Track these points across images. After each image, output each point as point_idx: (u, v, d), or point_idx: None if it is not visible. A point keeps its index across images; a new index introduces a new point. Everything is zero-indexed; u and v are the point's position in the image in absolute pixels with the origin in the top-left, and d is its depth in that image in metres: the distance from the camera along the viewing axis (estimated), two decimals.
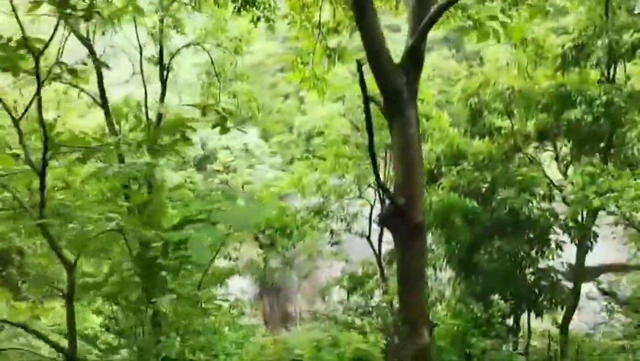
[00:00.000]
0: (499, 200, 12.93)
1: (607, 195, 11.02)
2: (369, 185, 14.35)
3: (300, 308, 25.77)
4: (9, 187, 4.87)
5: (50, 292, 10.64)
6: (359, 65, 5.57)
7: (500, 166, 13.64)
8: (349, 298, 14.15)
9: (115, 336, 7.71)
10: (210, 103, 5.04)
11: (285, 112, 40.06)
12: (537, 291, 13.65)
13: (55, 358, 5.74)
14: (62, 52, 4.78)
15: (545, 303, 13.70)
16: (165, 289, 4.90)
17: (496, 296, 13.67)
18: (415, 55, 6.32)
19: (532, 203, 12.92)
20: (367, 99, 5.84)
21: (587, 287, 17.32)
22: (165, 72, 10.88)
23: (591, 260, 14.23)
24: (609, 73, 13.11)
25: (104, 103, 10.65)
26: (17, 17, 4.44)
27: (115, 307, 7.77)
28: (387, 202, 7.13)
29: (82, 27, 10.04)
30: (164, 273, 4.76)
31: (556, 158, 14.66)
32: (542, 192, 13.49)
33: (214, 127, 4.53)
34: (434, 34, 13.95)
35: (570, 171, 14.13)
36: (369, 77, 6.05)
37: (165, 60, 11.58)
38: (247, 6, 11.27)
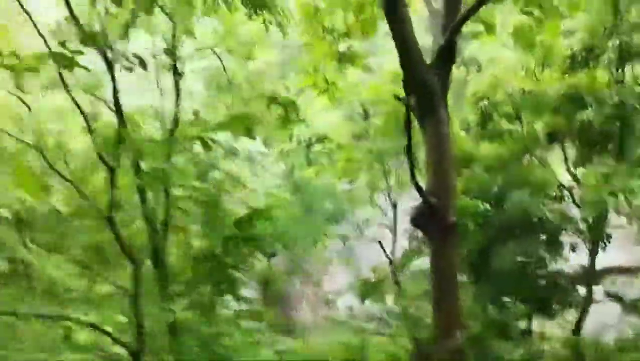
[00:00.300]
0: (511, 203, 12.90)
1: (621, 195, 11.05)
2: (382, 190, 14.29)
3: (303, 316, 25.58)
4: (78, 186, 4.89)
5: None
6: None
7: (512, 168, 13.62)
8: (362, 304, 14.08)
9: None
10: (275, 96, 5.03)
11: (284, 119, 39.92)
12: (549, 294, 13.63)
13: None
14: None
15: (557, 305, 13.68)
16: (235, 287, 4.81)
17: (509, 299, 13.63)
18: (447, 53, 6.29)
19: (544, 205, 12.91)
20: (408, 109, 5.80)
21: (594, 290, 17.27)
22: (179, 78, 10.78)
23: (600, 262, 14.21)
24: (618, 75, 13.15)
25: (118, 111, 10.51)
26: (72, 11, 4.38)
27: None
28: (415, 203, 7.07)
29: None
30: (231, 270, 4.67)
31: (565, 160, 14.67)
32: (553, 194, 13.47)
33: (279, 120, 4.51)
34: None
35: (579, 172, 14.14)
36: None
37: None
38: (259, 10, 11.25)
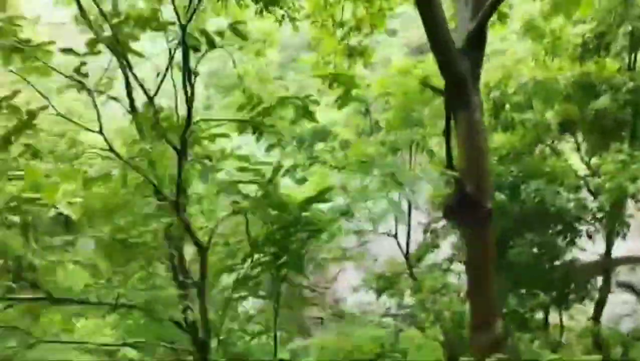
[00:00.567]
0: (528, 193, 12.79)
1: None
2: (396, 184, 14.10)
3: (312, 313, 25.41)
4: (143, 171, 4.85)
5: None
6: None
7: (526, 158, 13.52)
8: (378, 299, 13.94)
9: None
10: (340, 73, 4.93)
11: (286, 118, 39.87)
12: (565, 284, 13.53)
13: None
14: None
15: (574, 295, 13.59)
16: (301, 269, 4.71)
17: (525, 290, 13.52)
18: (478, 39, 6.17)
19: (561, 193, 12.81)
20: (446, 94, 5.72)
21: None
22: (192, 76, 10.64)
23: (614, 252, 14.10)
24: (629, 61, 13.09)
25: (132, 109, 10.42)
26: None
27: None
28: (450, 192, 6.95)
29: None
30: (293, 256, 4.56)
31: (577, 149, 14.59)
32: (569, 183, 13.37)
33: (337, 100, 4.44)
34: None
35: (593, 161, 14.05)
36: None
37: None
38: (270, 6, 11.15)
